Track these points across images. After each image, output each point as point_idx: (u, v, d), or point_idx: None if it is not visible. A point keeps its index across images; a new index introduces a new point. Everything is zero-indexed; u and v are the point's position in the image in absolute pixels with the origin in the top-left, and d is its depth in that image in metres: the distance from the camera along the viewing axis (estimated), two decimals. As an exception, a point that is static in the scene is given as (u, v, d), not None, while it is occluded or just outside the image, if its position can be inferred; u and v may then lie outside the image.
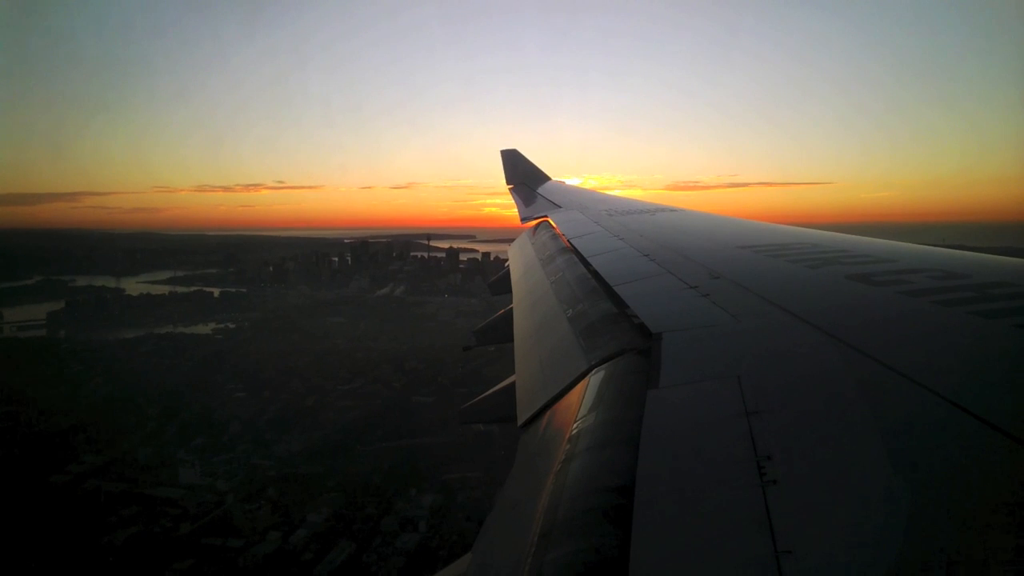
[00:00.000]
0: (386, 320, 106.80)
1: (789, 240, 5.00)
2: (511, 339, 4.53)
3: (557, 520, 1.79)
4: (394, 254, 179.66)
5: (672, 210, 7.98)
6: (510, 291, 6.50)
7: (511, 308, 5.69)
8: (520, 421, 2.95)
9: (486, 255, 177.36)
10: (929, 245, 4.42)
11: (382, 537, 38.25)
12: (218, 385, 66.56)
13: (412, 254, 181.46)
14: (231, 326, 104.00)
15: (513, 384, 3.61)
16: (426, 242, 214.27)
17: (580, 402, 2.64)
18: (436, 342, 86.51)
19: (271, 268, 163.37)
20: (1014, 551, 1.32)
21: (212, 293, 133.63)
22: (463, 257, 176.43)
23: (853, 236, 5.05)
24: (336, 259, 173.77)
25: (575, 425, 2.41)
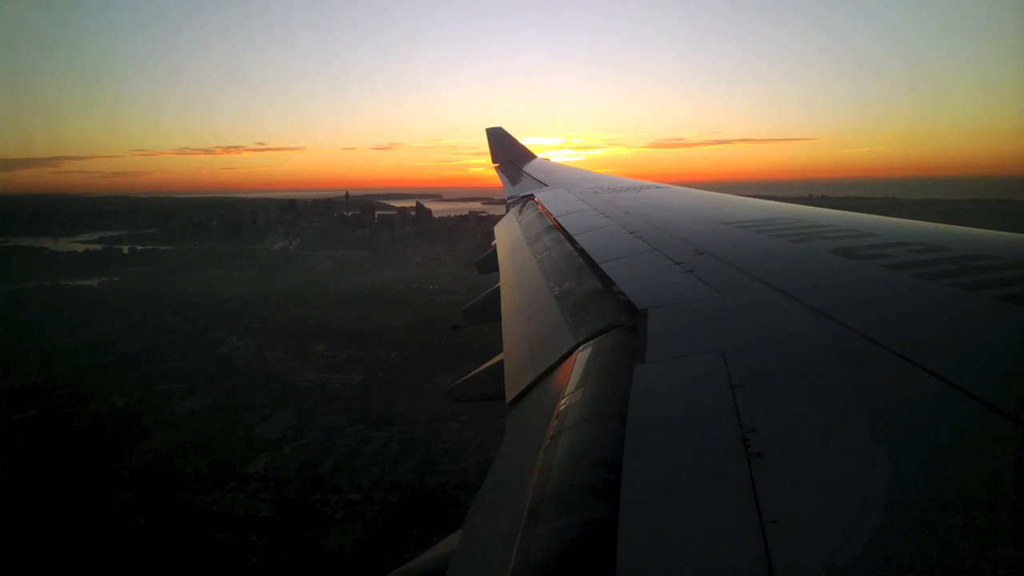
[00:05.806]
0: (263, 272, 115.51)
1: (772, 215, 5.09)
2: (499, 318, 4.60)
3: (546, 495, 1.84)
4: (320, 212, 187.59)
5: (657, 187, 8.16)
6: (497, 270, 6.60)
7: (498, 287, 5.78)
8: (508, 398, 3.02)
9: (403, 210, 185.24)
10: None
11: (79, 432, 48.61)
12: (46, 323, 75.89)
13: (335, 212, 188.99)
14: (116, 279, 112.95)
15: (501, 362, 3.67)
16: (345, 199, 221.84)
17: (568, 379, 2.69)
18: (279, 289, 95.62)
19: (191, 227, 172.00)
20: (995, 521, 1.35)
21: (121, 250, 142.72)
22: (379, 213, 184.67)
23: (836, 211, 5.16)
24: (260, 216, 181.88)
25: (563, 401, 2.47)
